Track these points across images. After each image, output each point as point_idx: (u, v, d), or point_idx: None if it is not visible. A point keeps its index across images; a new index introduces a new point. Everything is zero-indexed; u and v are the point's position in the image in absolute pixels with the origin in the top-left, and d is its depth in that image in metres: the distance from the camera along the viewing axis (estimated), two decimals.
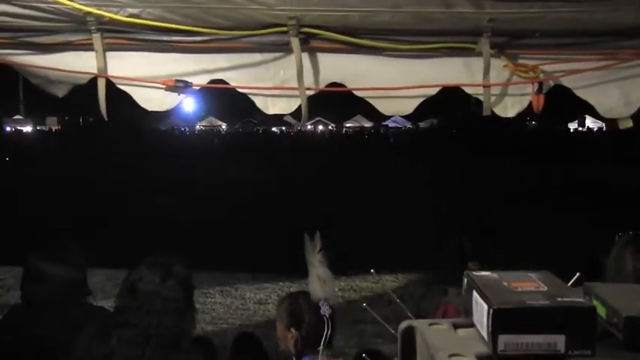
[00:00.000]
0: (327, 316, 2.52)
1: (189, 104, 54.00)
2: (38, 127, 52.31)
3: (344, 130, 59.37)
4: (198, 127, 61.35)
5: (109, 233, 11.14)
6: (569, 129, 52.71)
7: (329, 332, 2.50)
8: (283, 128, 56.37)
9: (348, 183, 18.77)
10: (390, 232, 11.69)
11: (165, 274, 2.47)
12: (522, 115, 2.75)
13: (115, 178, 20.01)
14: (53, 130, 51.03)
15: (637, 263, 2.34)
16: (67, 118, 49.39)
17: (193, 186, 18.45)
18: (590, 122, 50.93)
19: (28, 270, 3.14)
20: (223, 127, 61.08)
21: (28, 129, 51.40)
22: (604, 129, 43.71)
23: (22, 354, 2.87)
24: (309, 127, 59.23)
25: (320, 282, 2.52)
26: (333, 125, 61.31)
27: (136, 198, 15.93)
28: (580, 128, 53.27)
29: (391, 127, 56.54)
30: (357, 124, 59.29)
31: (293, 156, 29.13)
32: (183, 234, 11.55)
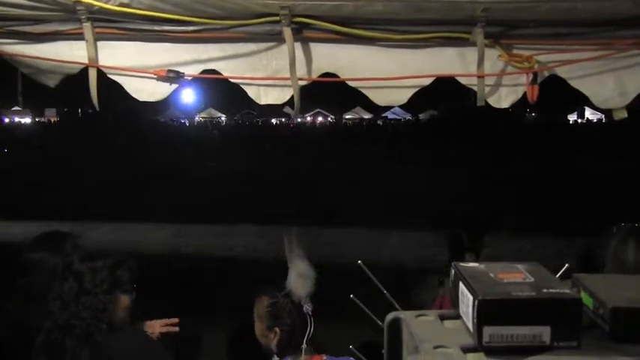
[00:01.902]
0: (310, 313, 2.51)
1: (188, 96, 54.03)
2: (37, 119, 52.22)
3: (343, 121, 59.28)
4: (197, 118, 61.22)
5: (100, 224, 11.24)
6: (569, 120, 52.63)
7: (311, 329, 2.49)
8: (283, 120, 56.28)
9: (346, 175, 18.74)
10: (388, 223, 11.72)
11: (86, 268, 2.53)
12: (521, 107, 2.75)
13: (110, 169, 20.02)
14: (52, 121, 50.94)
15: (638, 255, 2.32)
16: (65, 109, 49.24)
17: (188, 180, 18.40)
18: (590, 114, 50.88)
19: (24, 262, 3.14)
20: (223, 118, 60.96)
21: (26, 120, 51.32)
22: (603, 120, 43.71)
23: (18, 346, 2.87)
24: (308, 118, 59.23)
25: (301, 280, 2.51)
26: (333, 117, 61.25)
27: (128, 191, 15.88)
28: (579, 120, 53.20)
29: (390, 119, 56.49)
30: (357, 116, 59.22)
31: (291, 148, 29.09)
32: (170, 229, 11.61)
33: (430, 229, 9.96)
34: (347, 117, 60.81)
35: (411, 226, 11.36)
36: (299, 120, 54.42)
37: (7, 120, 48.88)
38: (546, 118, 45.51)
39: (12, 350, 2.92)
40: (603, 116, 43.36)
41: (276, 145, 31.23)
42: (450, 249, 4.46)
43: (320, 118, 60.69)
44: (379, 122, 55.21)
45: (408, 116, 56.96)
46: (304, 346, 2.49)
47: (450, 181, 17.43)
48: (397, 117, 56.63)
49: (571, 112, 52.94)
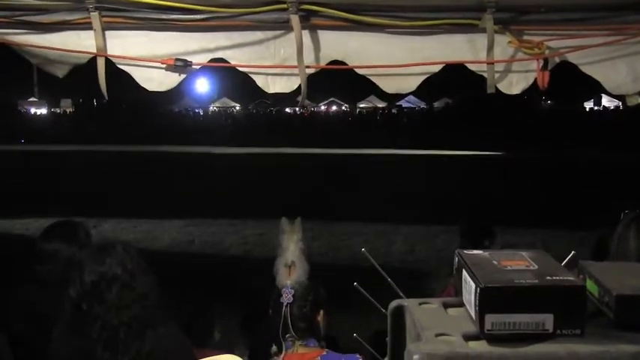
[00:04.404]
0: (286, 303, 2.49)
1: (202, 85, 54.12)
2: (52, 109, 52.57)
3: (357, 110, 59.16)
4: (211, 108, 61.30)
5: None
6: (585, 108, 52.18)
7: (286, 320, 2.47)
8: (297, 109, 56.25)
9: (359, 167, 18.67)
10: (398, 214, 11.71)
11: (121, 264, 2.47)
12: (537, 95, 2.73)
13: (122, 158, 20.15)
14: (67, 112, 51.26)
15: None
16: (80, 100, 49.51)
17: (198, 170, 18.41)
18: (606, 101, 50.34)
19: (38, 250, 3.17)
20: (237, 108, 61.01)
21: (42, 111, 51.68)
22: (620, 107, 43.22)
23: (33, 334, 2.90)
24: (322, 107, 59.14)
25: (286, 269, 2.50)
26: (347, 106, 61.14)
27: (139, 179, 15.96)
28: (596, 107, 52.70)
29: (405, 107, 56.29)
30: (371, 105, 59.05)
31: (304, 138, 29.03)
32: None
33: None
34: (361, 106, 60.65)
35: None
36: (313, 109, 54.33)
37: (23, 111, 49.21)
38: (562, 106, 45.16)
39: (26, 337, 2.95)
40: (620, 103, 42.84)
41: (289, 134, 31.18)
42: (466, 236, 4.44)
43: (334, 107, 60.59)
44: (394, 111, 55.00)
45: (423, 104, 56.77)
46: (288, 336, 2.48)
47: (469, 171, 17.34)
48: (411, 105, 56.41)
49: (587, 100, 52.49)
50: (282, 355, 2.52)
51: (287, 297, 2.50)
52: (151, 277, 2.53)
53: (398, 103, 55.94)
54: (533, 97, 38.86)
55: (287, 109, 56.38)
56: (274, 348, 2.57)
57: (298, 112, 53.13)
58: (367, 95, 58.01)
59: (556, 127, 30.97)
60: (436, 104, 56.41)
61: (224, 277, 7.93)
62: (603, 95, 49.20)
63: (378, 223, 11.33)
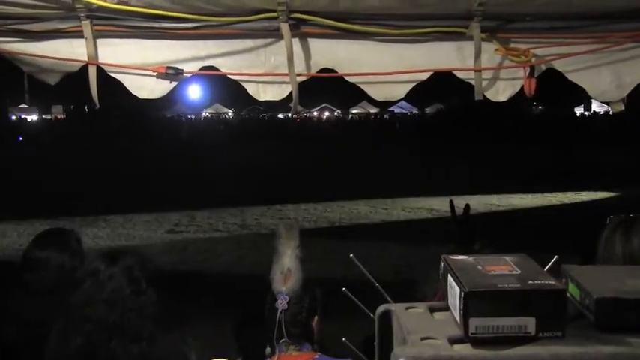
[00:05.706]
0: (280, 309, 2.50)
1: (195, 91, 54.14)
2: (44, 116, 52.38)
3: (350, 116, 59.26)
4: (204, 114, 61.24)
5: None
6: (575, 113, 52.41)
7: (280, 325, 2.47)
8: (289, 115, 56.18)
9: (351, 173, 18.69)
10: (392, 217, 11.73)
11: (122, 267, 2.45)
12: (528, 100, 2.76)
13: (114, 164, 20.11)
14: (59, 118, 51.08)
15: (626, 246, 2.34)
16: (72, 106, 49.35)
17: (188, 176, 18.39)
18: (596, 106, 50.56)
19: (28, 258, 3.16)
20: (229, 113, 60.97)
21: (33, 117, 51.46)
22: (610, 112, 43.49)
23: (24, 343, 2.89)
24: (315, 113, 59.17)
25: (282, 275, 2.50)
26: (339, 111, 61.22)
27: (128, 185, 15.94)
28: (586, 112, 52.93)
29: (397, 113, 56.43)
30: (363, 110, 59.17)
31: (296, 143, 29.04)
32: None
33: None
34: (353, 111, 60.75)
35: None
36: (306, 115, 54.36)
37: (14, 117, 48.99)
38: (552, 111, 45.40)
39: (17, 345, 2.94)
40: (610, 108, 43.04)
41: (282, 139, 31.18)
42: (457, 240, 4.45)
43: (327, 113, 60.66)
44: (386, 116, 55.13)
45: (415, 110, 56.94)
46: (282, 340, 2.49)
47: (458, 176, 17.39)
48: (404, 111, 56.56)
49: (577, 105, 52.74)
50: (275, 357, 2.52)
51: (281, 304, 2.49)
52: (154, 289, 2.53)
53: (390, 109, 56.06)
54: (523, 103, 39.09)
55: (279, 115, 56.42)
56: (268, 350, 2.57)
57: (291, 118, 53.09)
58: (359, 101, 58.14)
59: (546, 131, 31.14)
60: (428, 109, 56.59)
61: (215, 283, 7.93)
62: (593, 100, 49.37)
63: (373, 225, 11.38)
